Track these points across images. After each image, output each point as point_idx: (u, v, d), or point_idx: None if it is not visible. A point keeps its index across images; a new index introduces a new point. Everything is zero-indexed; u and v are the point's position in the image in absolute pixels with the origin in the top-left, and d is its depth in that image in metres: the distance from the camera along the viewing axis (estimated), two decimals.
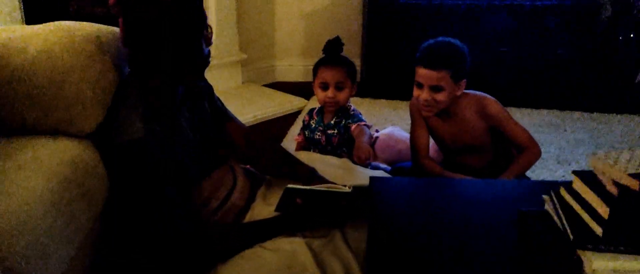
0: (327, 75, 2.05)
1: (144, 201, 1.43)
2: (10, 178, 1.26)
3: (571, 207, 1.07)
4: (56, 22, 1.65)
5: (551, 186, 1.19)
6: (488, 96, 2.05)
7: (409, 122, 3.04)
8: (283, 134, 3.01)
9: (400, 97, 3.48)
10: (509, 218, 1.20)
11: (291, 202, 1.54)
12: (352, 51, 3.98)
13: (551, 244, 1.05)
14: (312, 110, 2.24)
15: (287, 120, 3.25)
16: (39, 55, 1.50)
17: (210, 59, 1.60)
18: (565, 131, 3.01)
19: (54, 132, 1.52)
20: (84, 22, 1.66)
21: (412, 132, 2.18)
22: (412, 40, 3.52)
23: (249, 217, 1.67)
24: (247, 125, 3.08)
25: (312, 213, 1.56)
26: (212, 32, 1.58)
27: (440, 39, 1.98)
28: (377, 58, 3.60)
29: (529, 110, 3.23)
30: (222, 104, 1.88)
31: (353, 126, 2.04)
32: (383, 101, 3.47)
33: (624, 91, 3.62)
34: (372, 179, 1.32)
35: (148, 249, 1.47)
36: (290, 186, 1.52)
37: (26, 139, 1.47)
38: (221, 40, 3.44)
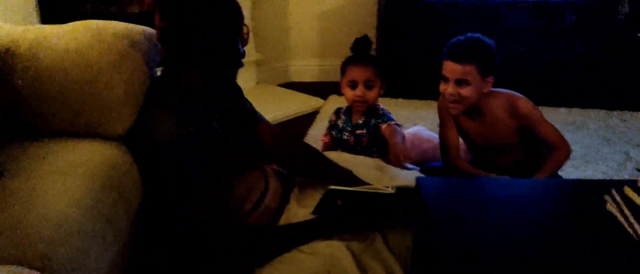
0: (356, 73, 2.00)
1: (179, 201, 1.39)
2: (48, 183, 1.22)
3: (639, 206, 1.03)
4: (84, 21, 1.61)
5: (609, 185, 1.15)
6: (519, 95, 2.00)
7: (430, 121, 3.03)
8: (302, 134, 2.97)
9: (418, 97, 3.44)
10: (568, 218, 1.15)
11: (332, 205, 1.49)
12: None
13: (619, 245, 1.01)
14: (339, 109, 2.19)
15: (305, 120, 3.20)
16: (69, 54, 1.46)
17: (244, 59, 1.56)
18: (589, 129, 2.96)
19: (85, 133, 1.48)
20: (113, 21, 1.62)
21: (442, 132, 2.14)
22: (428, 39, 3.51)
23: (284, 220, 1.63)
24: None
25: (352, 215, 1.51)
26: (248, 32, 1.54)
27: (468, 34, 1.95)
28: (392, 57, 3.55)
29: (549, 109, 3.17)
30: (251, 105, 1.84)
31: (383, 126, 1.99)
32: (400, 100, 3.43)
33: None
34: (420, 179, 1.27)
35: (185, 251, 1.43)
36: (332, 187, 1.47)
37: (58, 141, 1.44)
38: None
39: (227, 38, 1.46)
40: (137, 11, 3.16)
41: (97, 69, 1.46)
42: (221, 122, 1.59)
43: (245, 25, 1.53)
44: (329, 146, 2.16)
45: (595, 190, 1.18)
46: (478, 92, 1.92)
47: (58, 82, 1.44)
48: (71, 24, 1.59)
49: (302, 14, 3.88)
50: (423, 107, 3.29)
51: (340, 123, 2.13)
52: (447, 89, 1.93)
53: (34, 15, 2.65)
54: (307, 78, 4.00)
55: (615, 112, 3.20)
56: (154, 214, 1.46)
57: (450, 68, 1.90)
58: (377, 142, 2.03)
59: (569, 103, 3.32)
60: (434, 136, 2.50)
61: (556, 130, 1.98)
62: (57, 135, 1.47)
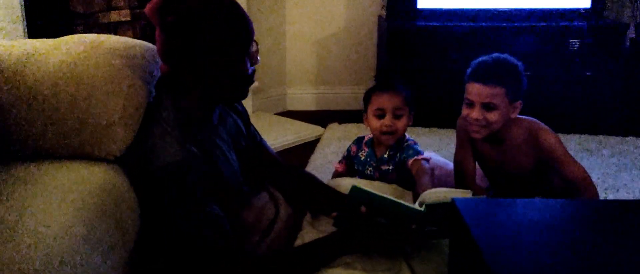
0: (384, 101, 1.83)
1: (186, 225, 1.24)
2: (36, 210, 1.07)
3: None
4: (77, 35, 1.48)
5: None
6: (543, 125, 1.87)
7: (435, 148, 2.91)
8: (303, 163, 2.82)
9: (421, 124, 3.31)
10: (617, 241, 1.02)
11: (353, 212, 1.33)
12: (365, 77, 3.86)
13: None
14: (360, 139, 2.01)
15: (305, 149, 3.07)
16: (61, 70, 1.34)
17: (254, 78, 1.43)
18: (603, 155, 2.85)
19: (78, 155, 1.33)
20: (109, 35, 1.49)
21: (458, 156, 2.01)
22: (430, 66, 3.42)
23: (298, 244, 1.48)
24: None
25: (377, 229, 1.35)
26: (258, 50, 1.41)
27: (494, 54, 1.83)
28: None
29: (559, 135, 3.07)
30: (255, 128, 1.71)
31: (410, 161, 1.81)
32: None
33: None
34: (457, 200, 1.13)
35: None
36: (357, 185, 1.33)
37: (49, 164, 1.29)
38: None
39: (235, 55, 1.33)
40: (131, 36, 3.03)
41: (91, 86, 1.33)
42: (226, 143, 1.46)
43: (256, 42, 1.40)
44: (341, 174, 2.00)
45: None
46: (505, 117, 1.78)
47: (48, 101, 1.31)
48: (63, 38, 1.46)
49: (298, 41, 3.79)
50: (427, 134, 3.17)
51: (362, 155, 1.95)
52: (471, 113, 1.77)
53: (20, 29, 2.52)
54: (304, 107, 3.88)
55: (629, 138, 3.09)
56: (154, 242, 1.31)
57: (477, 91, 1.76)
58: (405, 178, 1.85)
59: (580, 129, 3.22)
60: (445, 162, 2.36)
61: (583, 169, 1.81)
62: (48, 157, 1.32)
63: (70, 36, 1.47)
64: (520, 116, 1.86)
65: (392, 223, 1.33)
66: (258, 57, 1.42)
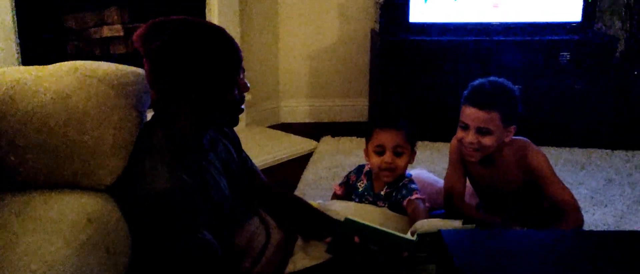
0: (385, 138, 1.80)
1: (177, 252, 1.26)
2: (28, 243, 1.08)
3: None
4: (69, 62, 1.49)
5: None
6: (533, 145, 1.89)
7: (427, 163, 2.93)
8: (296, 178, 2.84)
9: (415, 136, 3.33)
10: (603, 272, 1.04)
11: (347, 242, 1.35)
12: (358, 90, 3.89)
13: None
14: (360, 168, 1.98)
15: (298, 163, 3.08)
16: (53, 99, 1.34)
17: (243, 105, 1.44)
18: (593, 169, 2.87)
19: (70, 185, 1.34)
20: (100, 62, 1.50)
21: (449, 176, 2.02)
22: (423, 78, 3.44)
23: (289, 269, 1.50)
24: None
25: (369, 258, 1.38)
26: (244, 78, 1.42)
27: (491, 78, 1.83)
28: (386, 96, 3.46)
29: (548, 148, 3.10)
30: (246, 153, 1.72)
31: (405, 202, 1.78)
32: None
33: None
34: (444, 233, 1.15)
35: None
36: (350, 217, 1.35)
37: (39, 194, 1.30)
38: None
39: (221, 82, 1.34)
40: (123, 52, 3.05)
41: (82, 115, 1.34)
42: (217, 169, 1.47)
43: (243, 69, 1.41)
44: (338, 197, 1.99)
45: (628, 242, 1.07)
46: (499, 141, 1.80)
47: (39, 130, 1.31)
48: (54, 65, 1.47)
49: (291, 54, 3.81)
50: (419, 148, 3.17)
51: (360, 186, 1.92)
52: (466, 137, 1.79)
53: (15, 58, 2.53)
54: (297, 119, 3.90)
55: (617, 152, 3.12)
56: (145, 270, 1.32)
57: (472, 115, 1.77)
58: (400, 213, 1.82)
59: (569, 143, 3.24)
60: (435, 179, 2.38)
61: (569, 193, 1.84)
62: (39, 186, 1.33)
63: (62, 64, 1.47)
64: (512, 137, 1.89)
65: (383, 251, 1.35)
66: (247, 84, 1.43)
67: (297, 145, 3.31)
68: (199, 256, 1.27)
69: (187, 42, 1.30)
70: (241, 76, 1.40)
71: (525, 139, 1.91)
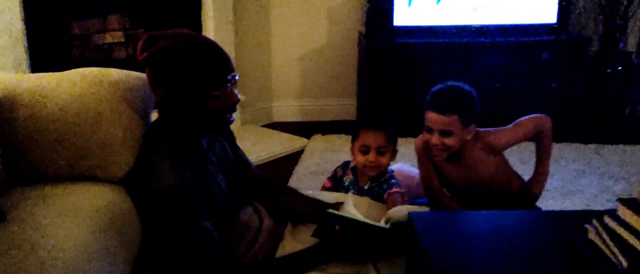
0: (369, 138, 1.96)
1: (183, 239, 1.43)
2: (52, 227, 1.26)
3: (620, 235, 1.11)
4: (81, 69, 1.66)
5: (590, 216, 1.22)
6: (487, 130, 2.07)
7: (412, 158, 3.10)
8: (288, 174, 3.02)
9: (398, 134, 3.50)
10: (552, 249, 1.22)
11: (330, 228, 1.55)
12: (347, 90, 4.07)
13: (604, 272, 1.08)
14: (346, 163, 2.15)
15: (290, 160, 3.26)
16: (69, 102, 1.52)
17: (233, 116, 1.61)
18: (566, 162, 3.07)
19: (86, 178, 1.53)
20: (110, 68, 1.68)
21: (422, 174, 2.19)
22: (408, 79, 3.63)
23: (279, 255, 1.68)
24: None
25: (349, 242, 1.57)
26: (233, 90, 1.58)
27: (449, 83, 1.99)
28: (373, 96, 3.65)
29: (526, 143, 3.29)
30: (240, 149, 1.90)
31: (385, 195, 1.95)
32: None
33: (616, 122, 3.72)
34: (412, 214, 1.34)
35: None
36: (330, 211, 1.54)
37: (61, 186, 1.48)
38: None
39: (212, 88, 1.51)
40: (123, 57, 3.22)
41: (96, 116, 1.52)
42: (215, 166, 1.65)
43: (236, 81, 1.57)
44: (327, 189, 2.15)
45: (577, 220, 1.25)
46: (461, 140, 1.96)
47: (59, 129, 1.49)
48: (69, 72, 1.64)
49: (283, 56, 3.98)
50: (404, 145, 3.35)
51: (346, 180, 2.08)
52: (431, 139, 1.96)
53: (25, 62, 2.70)
54: (289, 118, 4.08)
55: (590, 146, 3.31)
56: (154, 255, 1.50)
57: (434, 119, 1.93)
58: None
59: None
60: (416, 172, 2.55)
61: (528, 120, 2.08)
62: (58, 179, 1.51)
63: (74, 71, 1.64)
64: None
65: (362, 238, 1.54)
66: (238, 95, 1.59)
67: (288, 143, 3.49)
68: (202, 243, 1.45)
69: (184, 56, 1.48)
70: (232, 87, 1.57)
71: (479, 129, 2.07)
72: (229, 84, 1.54)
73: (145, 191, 1.47)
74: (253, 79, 3.87)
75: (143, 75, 1.69)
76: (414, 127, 3.40)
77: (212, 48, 1.54)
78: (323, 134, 3.62)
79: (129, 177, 1.55)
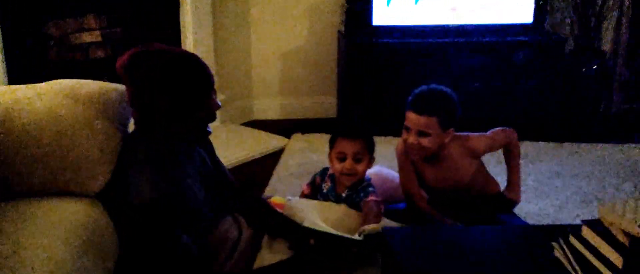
0: (345, 146, 1.97)
1: (160, 253, 1.45)
2: (30, 246, 1.27)
3: (583, 255, 1.14)
4: (58, 81, 1.67)
5: (556, 232, 1.26)
6: (468, 134, 2.12)
7: (390, 158, 3.14)
8: (268, 174, 3.04)
9: (378, 133, 3.51)
10: (520, 265, 1.26)
11: (305, 242, 1.58)
12: (327, 88, 4.08)
13: None
14: (325, 170, 2.16)
15: (270, 160, 3.27)
16: (46, 117, 1.52)
17: (213, 124, 1.63)
18: (541, 162, 3.12)
19: (63, 192, 1.53)
20: (87, 81, 1.68)
21: (402, 179, 2.22)
22: (388, 78, 3.65)
23: (257, 265, 1.70)
24: (231, 167, 3.13)
25: (324, 255, 1.60)
26: (215, 99, 1.60)
27: (432, 86, 2.02)
28: (353, 94, 3.67)
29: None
30: (218, 159, 1.92)
31: (362, 203, 1.96)
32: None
33: (591, 121, 3.79)
34: (387, 230, 1.37)
35: None
36: (306, 225, 1.57)
37: (36, 202, 1.48)
38: None
39: (194, 104, 1.53)
40: (103, 56, 3.20)
41: (72, 131, 1.52)
42: (193, 178, 1.66)
43: (215, 90, 1.60)
44: (306, 196, 2.17)
45: (545, 236, 1.29)
46: (438, 142, 2.00)
47: (35, 144, 1.49)
48: (45, 84, 1.64)
49: (263, 54, 3.98)
50: (383, 144, 3.37)
51: (325, 188, 2.10)
52: (408, 138, 2.00)
53: (0, 64, 2.68)
54: (269, 116, 4.09)
55: (565, 144, 3.37)
56: (131, 268, 1.52)
57: (413, 119, 1.97)
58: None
59: (522, 136, 3.46)
60: (395, 175, 2.59)
61: (501, 131, 2.19)
62: (35, 195, 1.51)
63: (49, 84, 1.63)
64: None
65: (336, 250, 1.58)
66: (219, 103, 1.62)
67: (268, 142, 3.50)
68: (178, 257, 1.47)
69: (165, 71, 1.48)
70: (213, 97, 1.59)
71: (460, 133, 2.12)
72: (212, 92, 1.58)
73: (124, 207, 1.49)
74: (233, 77, 3.87)
75: (120, 86, 1.69)
76: (393, 126, 3.46)
77: (195, 58, 1.56)
78: (303, 132, 3.64)
79: (106, 191, 1.56)
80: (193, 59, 1.55)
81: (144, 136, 1.58)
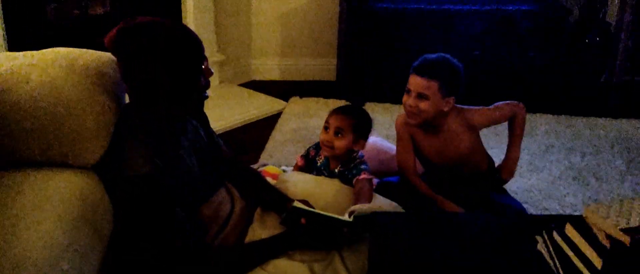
0: (333, 119, 2.03)
1: (154, 226, 1.48)
2: (22, 220, 1.29)
3: (565, 252, 1.17)
4: (55, 50, 1.66)
5: (542, 224, 1.29)
6: (469, 108, 2.14)
7: (386, 126, 3.16)
8: (265, 138, 3.05)
9: (376, 99, 3.56)
10: (500, 255, 1.29)
11: (296, 221, 1.61)
12: (327, 50, 4.06)
13: None
14: (319, 144, 2.15)
15: (267, 123, 3.29)
16: (41, 88, 1.52)
17: (208, 92, 1.64)
18: (537, 135, 3.13)
19: (59, 163, 1.55)
20: (83, 50, 1.68)
21: (399, 152, 2.24)
22: (387, 43, 3.63)
23: (248, 238, 1.73)
24: (227, 130, 3.15)
25: (315, 234, 1.63)
26: (207, 66, 1.61)
27: (440, 53, 2.05)
28: (352, 59, 3.66)
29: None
30: (212, 130, 1.93)
31: (354, 180, 1.99)
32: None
33: (590, 92, 3.78)
34: (377, 216, 1.40)
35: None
36: (296, 205, 1.59)
37: (31, 173, 1.49)
38: None
39: (187, 75, 1.53)
40: (101, 12, 3.17)
41: (68, 102, 1.52)
42: (188, 150, 1.68)
43: (206, 57, 1.60)
44: (300, 168, 2.21)
45: (534, 227, 1.32)
46: (436, 108, 2.01)
47: (31, 116, 1.49)
48: (42, 53, 1.64)
49: (264, 14, 3.95)
50: (380, 111, 3.41)
51: (319, 161, 2.13)
52: (407, 100, 2.03)
53: None
54: (268, 76, 4.08)
55: (561, 117, 3.38)
56: (125, 241, 1.55)
57: (414, 81, 2.00)
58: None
59: None
60: (390, 146, 2.61)
61: (506, 104, 2.19)
62: (30, 165, 1.53)
63: (46, 52, 1.63)
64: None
65: (326, 230, 1.61)
66: (211, 70, 1.62)
67: (266, 105, 3.51)
68: (172, 230, 1.49)
69: (154, 45, 1.48)
70: (205, 65, 1.60)
71: (461, 106, 2.14)
72: (204, 60, 1.58)
73: (119, 179, 1.50)
74: (233, 37, 3.85)
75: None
76: (391, 93, 3.47)
77: (187, 31, 1.56)
78: (301, 96, 3.64)
79: (102, 162, 1.58)
80: (181, 29, 1.55)
81: (139, 109, 1.58)
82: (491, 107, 2.19)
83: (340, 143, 2.01)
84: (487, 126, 2.20)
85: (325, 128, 2.04)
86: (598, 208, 1.13)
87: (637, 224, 1.06)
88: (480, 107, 2.18)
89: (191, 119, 1.77)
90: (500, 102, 2.21)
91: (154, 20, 1.54)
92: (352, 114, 2.03)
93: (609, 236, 1.08)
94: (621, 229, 1.05)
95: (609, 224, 1.08)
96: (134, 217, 1.50)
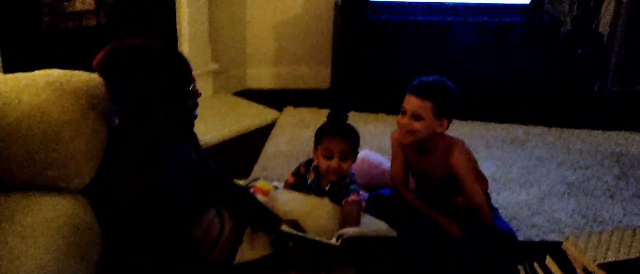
0: (333, 144, 2.00)
1: (143, 249, 1.49)
2: (12, 247, 1.30)
3: None
4: (46, 71, 1.67)
5: (524, 253, 1.31)
6: (460, 146, 2.12)
7: (379, 137, 3.17)
8: (258, 150, 3.06)
9: (369, 110, 3.57)
10: None
11: (284, 244, 1.63)
12: (322, 58, 4.07)
13: None
14: (309, 162, 2.18)
15: (261, 133, 3.30)
16: (32, 112, 1.53)
17: (196, 112, 1.66)
18: (527, 148, 3.15)
19: (48, 187, 1.56)
20: (74, 72, 1.69)
21: (392, 165, 2.27)
22: (381, 54, 3.65)
23: (237, 259, 1.75)
24: (220, 142, 3.16)
25: (302, 257, 1.65)
26: (195, 87, 1.63)
27: (436, 76, 2.07)
28: (346, 69, 3.68)
29: (493, 124, 3.39)
30: (202, 150, 1.94)
31: (344, 201, 1.99)
32: (352, 113, 3.54)
33: (582, 105, 3.80)
34: (364, 239, 1.42)
35: None
36: (283, 229, 1.61)
37: (20, 198, 1.49)
38: (193, 51, 3.46)
39: (175, 96, 1.55)
40: (94, 24, 3.18)
41: (59, 126, 1.54)
42: (178, 170, 1.69)
43: (193, 78, 1.62)
44: (291, 185, 2.20)
45: (516, 257, 1.34)
46: (429, 129, 2.03)
47: (22, 140, 1.50)
48: (33, 74, 1.65)
49: (259, 22, 3.96)
50: (373, 122, 3.42)
51: (309, 179, 2.14)
52: (402, 120, 2.05)
53: None
54: (263, 85, 4.09)
55: (553, 129, 3.39)
56: (114, 264, 1.57)
57: (409, 101, 2.03)
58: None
59: (513, 119, 3.50)
60: (382, 160, 2.63)
61: (478, 196, 2.09)
62: (20, 189, 1.54)
63: (37, 74, 1.64)
64: (449, 134, 2.12)
65: (314, 254, 1.63)
66: (199, 91, 1.64)
67: (260, 115, 3.52)
68: (177, 241, 1.51)
69: (142, 67, 1.50)
70: (192, 86, 1.61)
71: (459, 139, 2.15)
72: (192, 82, 1.60)
73: (110, 201, 1.52)
74: (227, 45, 3.86)
75: None
76: (384, 103, 3.48)
77: (175, 53, 1.59)
78: (295, 106, 3.66)
79: (92, 185, 1.59)
80: (169, 50, 1.57)
81: (128, 131, 1.60)
82: (469, 178, 2.10)
83: (346, 165, 2.03)
84: (453, 174, 2.10)
85: (328, 156, 2.01)
86: (577, 241, 1.15)
87: (613, 259, 1.08)
88: (470, 157, 2.16)
89: (181, 139, 1.79)
90: (477, 187, 2.11)
91: (141, 41, 1.56)
92: (348, 134, 2.04)
93: (585, 270, 1.10)
94: (598, 265, 1.07)
95: (587, 258, 1.10)
96: (130, 238, 1.52)
